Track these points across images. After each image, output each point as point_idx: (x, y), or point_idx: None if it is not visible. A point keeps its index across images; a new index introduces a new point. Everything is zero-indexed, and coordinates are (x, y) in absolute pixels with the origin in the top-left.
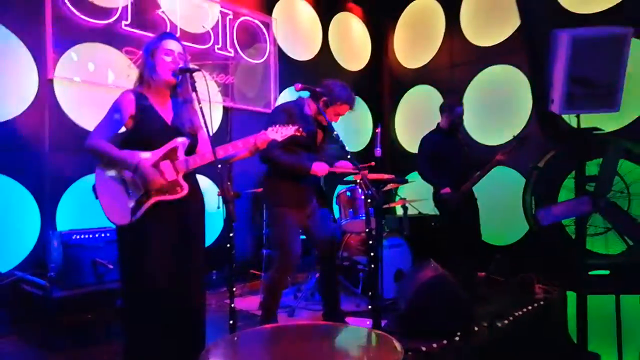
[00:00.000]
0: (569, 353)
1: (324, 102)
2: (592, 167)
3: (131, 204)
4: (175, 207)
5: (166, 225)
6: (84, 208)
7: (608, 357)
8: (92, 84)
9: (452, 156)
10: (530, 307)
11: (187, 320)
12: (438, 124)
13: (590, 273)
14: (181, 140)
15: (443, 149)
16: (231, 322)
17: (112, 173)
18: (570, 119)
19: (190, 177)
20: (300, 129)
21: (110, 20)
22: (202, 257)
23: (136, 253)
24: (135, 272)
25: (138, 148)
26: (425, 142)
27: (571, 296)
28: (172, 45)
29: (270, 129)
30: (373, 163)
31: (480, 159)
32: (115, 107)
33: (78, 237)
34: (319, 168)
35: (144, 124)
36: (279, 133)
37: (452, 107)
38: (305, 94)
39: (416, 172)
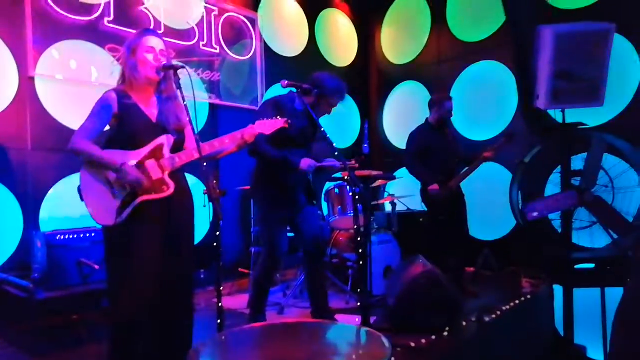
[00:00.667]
0: (556, 346)
1: (316, 96)
2: (578, 162)
3: (117, 204)
4: (161, 206)
5: (153, 225)
6: (68, 208)
7: (594, 349)
8: (75, 82)
9: (440, 151)
10: (517, 301)
11: (174, 320)
12: (427, 119)
13: (576, 267)
14: (166, 138)
15: (431, 144)
16: (219, 321)
17: (97, 174)
18: (556, 114)
19: (178, 176)
20: (289, 121)
21: (93, 17)
22: (191, 257)
23: (122, 254)
24: (121, 272)
25: (123, 147)
26: (413, 137)
27: (558, 290)
28: (153, 42)
29: (258, 122)
30: (354, 162)
31: (467, 154)
32: (98, 107)
33: (62, 237)
34: (307, 164)
35: (127, 122)
36: (267, 126)
37: (441, 102)
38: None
39: (404, 168)
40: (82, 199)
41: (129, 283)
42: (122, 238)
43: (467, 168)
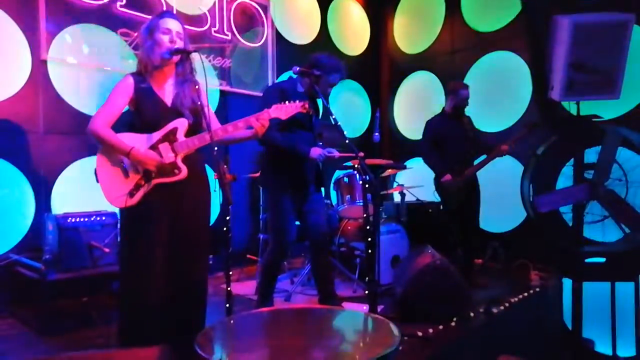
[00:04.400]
0: (564, 339)
1: (315, 76)
2: (591, 155)
3: (129, 186)
4: (175, 190)
5: (165, 208)
6: (79, 191)
7: (602, 343)
8: (87, 66)
9: (456, 140)
10: (526, 294)
11: (185, 306)
12: (443, 107)
13: (586, 260)
14: (180, 122)
15: (447, 132)
16: (227, 305)
17: (112, 156)
18: (570, 106)
19: (194, 161)
20: (306, 105)
21: (105, 1)
22: (205, 242)
23: (134, 236)
24: (132, 255)
25: (141, 131)
26: (429, 125)
27: (567, 283)
28: (170, 24)
29: (274, 106)
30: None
31: (482, 145)
32: (115, 91)
33: (73, 220)
34: (317, 153)
35: (143, 107)
36: (283, 111)
37: (456, 90)
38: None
39: (414, 159)
40: (97, 181)
41: (139, 265)
42: (134, 220)
43: (483, 158)
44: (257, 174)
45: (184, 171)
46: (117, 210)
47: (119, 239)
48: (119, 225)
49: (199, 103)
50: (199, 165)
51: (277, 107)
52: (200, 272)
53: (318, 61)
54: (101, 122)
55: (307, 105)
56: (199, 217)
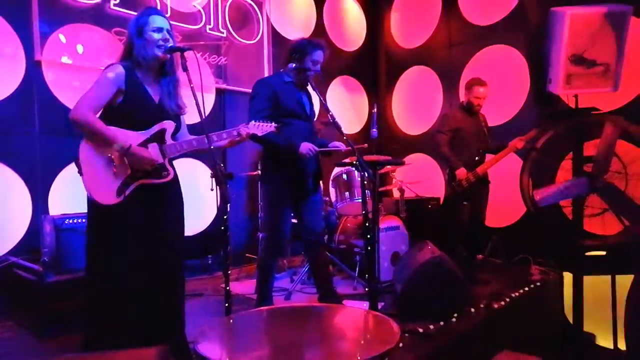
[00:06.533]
0: (565, 333)
1: (297, 59)
2: (590, 148)
3: (118, 183)
4: (156, 191)
5: (147, 209)
6: (76, 192)
7: (603, 336)
8: (81, 66)
9: (468, 135)
10: (526, 289)
11: (159, 312)
12: (462, 101)
13: (586, 254)
14: (168, 124)
15: (461, 126)
16: (227, 304)
17: (99, 149)
18: (568, 99)
19: (171, 162)
20: (279, 127)
21: (98, 0)
22: (181, 244)
23: (111, 234)
24: (111, 254)
25: (122, 124)
26: (448, 117)
27: (567, 277)
28: (161, 21)
29: (252, 123)
30: (366, 145)
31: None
32: (106, 79)
33: (71, 221)
34: (306, 148)
35: (132, 100)
36: (260, 129)
37: (469, 86)
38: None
39: (413, 154)
40: (80, 173)
41: (113, 266)
42: (115, 219)
43: (495, 155)
44: (255, 173)
45: (172, 173)
46: None
47: (88, 236)
48: (86, 222)
49: (183, 106)
50: (173, 167)
51: (255, 125)
52: (177, 276)
53: (295, 44)
54: (89, 109)
55: (279, 127)
56: (177, 220)
